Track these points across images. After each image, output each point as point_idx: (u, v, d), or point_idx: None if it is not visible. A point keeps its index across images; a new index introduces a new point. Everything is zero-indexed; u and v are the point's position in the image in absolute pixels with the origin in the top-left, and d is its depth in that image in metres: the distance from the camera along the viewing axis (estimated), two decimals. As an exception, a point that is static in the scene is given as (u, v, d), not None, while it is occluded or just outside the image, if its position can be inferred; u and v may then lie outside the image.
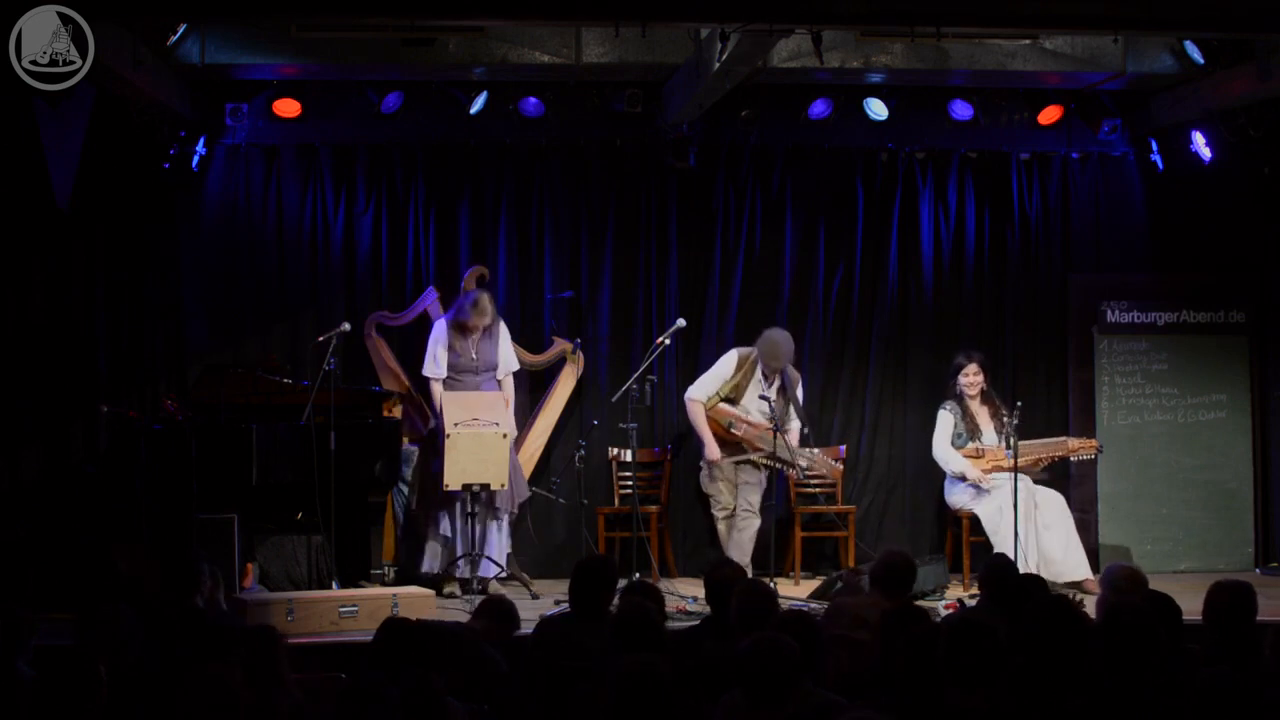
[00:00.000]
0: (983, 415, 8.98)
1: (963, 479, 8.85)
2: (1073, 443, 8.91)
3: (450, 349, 8.50)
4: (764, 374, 8.71)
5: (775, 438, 8.47)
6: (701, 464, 8.87)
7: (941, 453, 8.99)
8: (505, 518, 8.56)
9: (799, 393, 8.87)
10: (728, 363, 8.80)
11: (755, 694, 4.20)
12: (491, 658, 5.33)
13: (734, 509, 8.75)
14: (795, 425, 8.81)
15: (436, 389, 8.50)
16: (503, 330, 8.70)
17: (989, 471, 8.77)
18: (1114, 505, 9.49)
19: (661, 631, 4.96)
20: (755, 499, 8.76)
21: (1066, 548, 8.70)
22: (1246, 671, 4.24)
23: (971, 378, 8.95)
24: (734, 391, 8.73)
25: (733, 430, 8.70)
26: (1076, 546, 8.73)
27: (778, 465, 8.67)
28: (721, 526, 8.82)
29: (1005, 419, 8.64)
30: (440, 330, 8.57)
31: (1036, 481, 8.84)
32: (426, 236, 9.40)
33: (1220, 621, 4.95)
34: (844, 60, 8.56)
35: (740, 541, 8.69)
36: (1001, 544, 8.44)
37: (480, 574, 8.36)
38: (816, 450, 8.98)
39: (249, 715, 4.39)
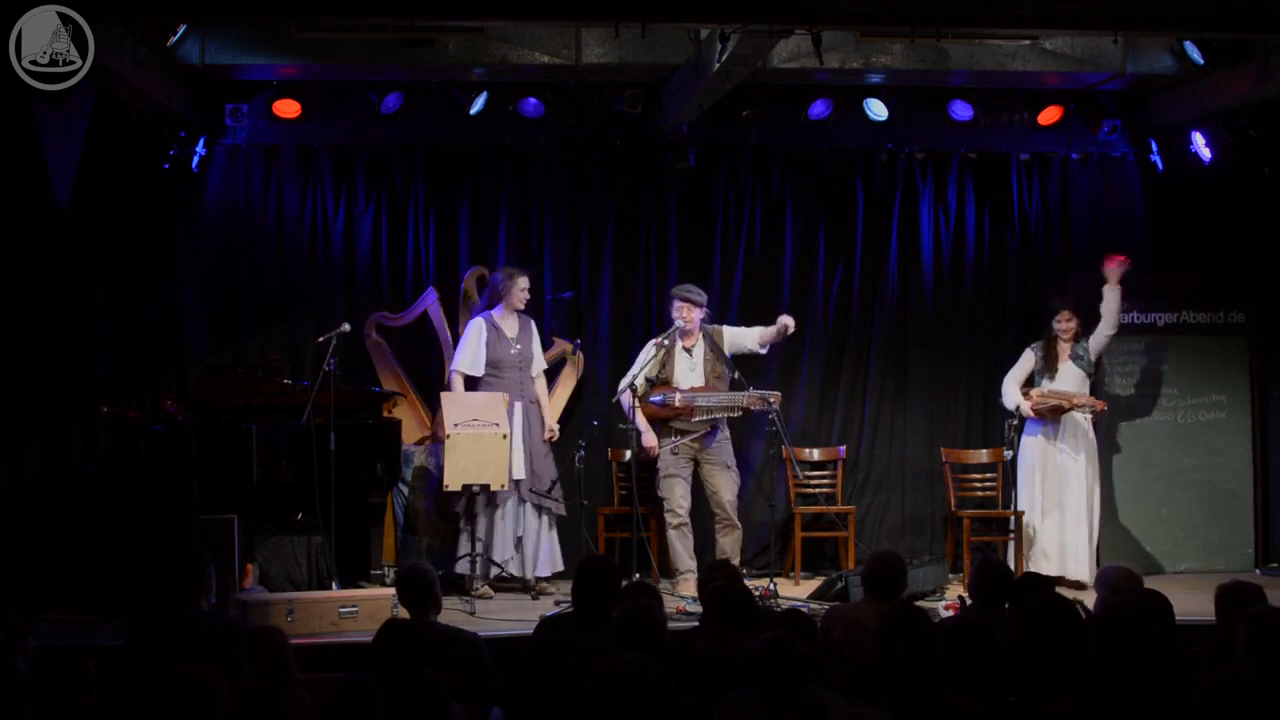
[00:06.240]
0: (1065, 352, 8.95)
1: (1018, 411, 8.90)
2: (1078, 398, 8.81)
3: (490, 345, 8.52)
4: (684, 337, 8.57)
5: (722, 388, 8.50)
6: (658, 466, 8.66)
7: (1004, 387, 9.06)
8: (548, 514, 8.61)
9: (727, 336, 8.71)
10: (646, 349, 8.71)
11: (766, 693, 4.22)
12: (487, 664, 5.33)
13: (686, 514, 8.57)
14: (755, 331, 8.71)
15: (458, 383, 8.50)
16: (533, 326, 8.75)
17: (1035, 405, 8.80)
18: (1114, 505, 9.47)
19: (661, 633, 4.96)
20: (729, 497, 8.58)
21: (1066, 550, 8.77)
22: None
23: (1064, 324, 8.93)
24: (662, 371, 8.59)
25: (670, 404, 8.46)
26: (1080, 550, 8.79)
27: (734, 413, 8.55)
28: (672, 534, 8.54)
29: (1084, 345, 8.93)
30: (478, 326, 8.56)
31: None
32: (426, 236, 9.40)
33: (1234, 624, 4.95)
34: (844, 60, 8.56)
35: (723, 548, 8.54)
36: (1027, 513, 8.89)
37: (537, 573, 8.51)
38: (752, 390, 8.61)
39: (258, 717, 4.40)
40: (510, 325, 8.60)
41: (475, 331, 8.54)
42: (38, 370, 8.71)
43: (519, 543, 8.47)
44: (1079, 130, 9.65)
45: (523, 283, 8.58)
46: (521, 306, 8.61)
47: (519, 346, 8.58)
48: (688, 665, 4.78)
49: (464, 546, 8.46)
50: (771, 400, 8.41)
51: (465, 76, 8.91)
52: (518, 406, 8.51)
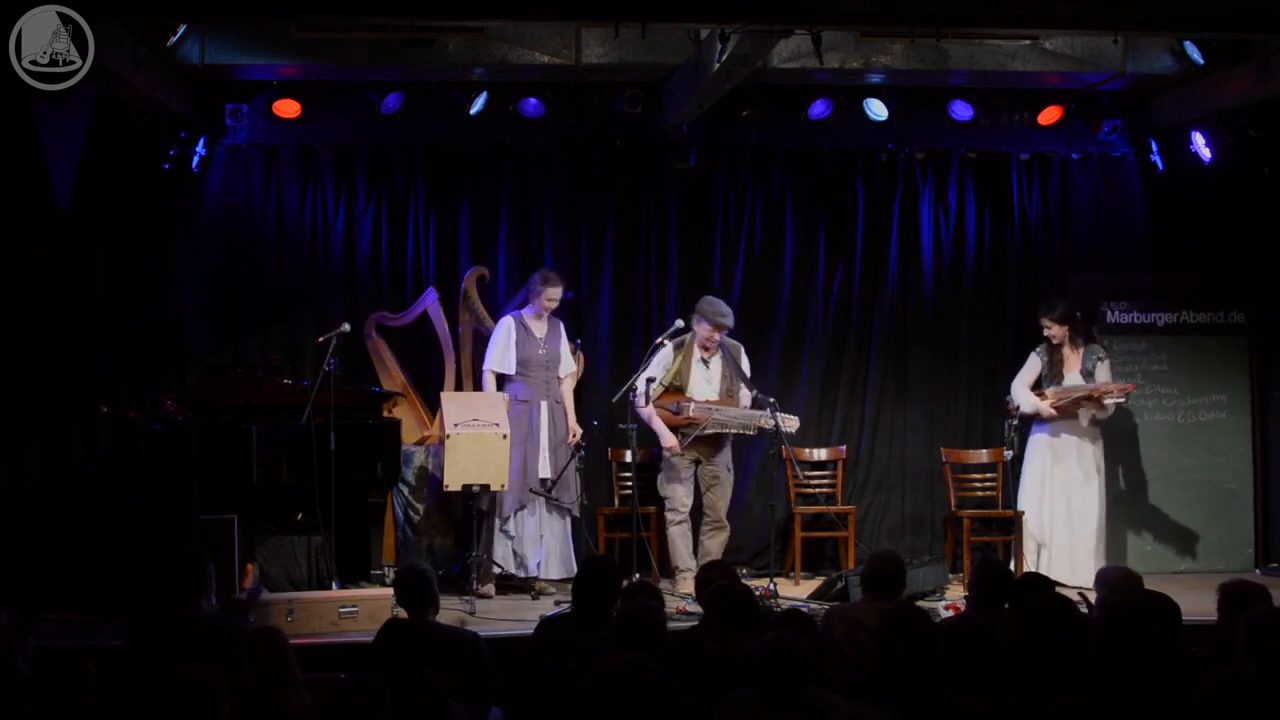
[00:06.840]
0: (1072, 359, 8.95)
1: (1036, 417, 8.91)
2: (1103, 386, 8.79)
3: (519, 344, 8.52)
4: (702, 349, 8.56)
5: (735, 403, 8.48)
6: (660, 464, 8.69)
7: (1014, 392, 9.03)
8: (569, 515, 8.61)
9: (744, 361, 8.70)
10: (662, 352, 8.62)
11: (767, 693, 4.22)
12: (487, 664, 5.33)
13: (688, 511, 8.58)
14: (746, 393, 8.61)
15: (491, 381, 8.53)
16: (562, 328, 8.75)
17: (1055, 404, 8.80)
18: (1114, 505, 9.47)
19: (661, 633, 4.96)
20: (724, 501, 8.61)
21: (1075, 554, 8.77)
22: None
23: (1047, 330, 8.93)
24: (677, 378, 8.57)
25: (684, 413, 8.46)
26: (1087, 555, 8.79)
27: (748, 432, 8.54)
28: (674, 531, 8.56)
29: (1096, 359, 8.88)
30: (508, 325, 8.58)
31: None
32: (426, 236, 9.40)
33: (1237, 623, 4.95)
34: (844, 60, 8.56)
35: (709, 549, 8.52)
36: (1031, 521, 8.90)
37: (548, 575, 8.50)
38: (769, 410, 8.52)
39: (258, 717, 4.41)
40: (539, 325, 8.62)
41: (504, 330, 8.58)
42: (38, 370, 8.71)
43: (541, 539, 8.48)
44: (1079, 130, 9.65)
45: (551, 293, 8.55)
46: (545, 314, 8.62)
47: (546, 347, 8.59)
48: (688, 665, 4.77)
49: (498, 548, 8.44)
50: (786, 424, 8.35)
51: (465, 76, 8.91)
52: (543, 405, 8.54)
